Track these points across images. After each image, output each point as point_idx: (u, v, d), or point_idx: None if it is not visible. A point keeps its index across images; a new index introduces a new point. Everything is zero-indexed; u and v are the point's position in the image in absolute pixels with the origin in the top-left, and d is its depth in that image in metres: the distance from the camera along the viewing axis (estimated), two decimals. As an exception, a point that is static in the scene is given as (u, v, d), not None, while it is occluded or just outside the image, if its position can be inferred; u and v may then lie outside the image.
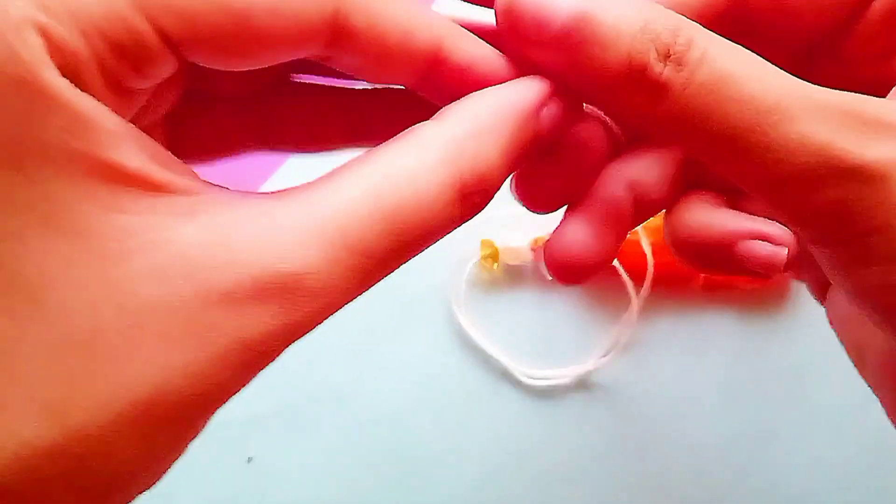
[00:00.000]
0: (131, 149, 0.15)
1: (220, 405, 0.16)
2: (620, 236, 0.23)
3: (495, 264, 0.37)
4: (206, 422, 0.16)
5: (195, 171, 0.17)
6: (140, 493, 0.16)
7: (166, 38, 0.15)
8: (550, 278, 0.22)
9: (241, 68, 0.17)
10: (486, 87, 0.19)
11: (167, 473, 0.17)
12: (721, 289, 0.37)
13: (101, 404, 0.14)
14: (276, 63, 0.17)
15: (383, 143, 0.18)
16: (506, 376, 0.37)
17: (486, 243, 0.37)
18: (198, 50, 0.16)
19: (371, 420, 0.37)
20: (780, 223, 0.22)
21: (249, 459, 0.37)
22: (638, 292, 0.36)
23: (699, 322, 0.37)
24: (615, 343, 0.37)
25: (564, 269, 0.22)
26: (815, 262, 0.21)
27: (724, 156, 0.18)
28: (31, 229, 0.14)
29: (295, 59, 0.18)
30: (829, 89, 0.18)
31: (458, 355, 0.37)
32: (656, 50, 0.18)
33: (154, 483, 0.16)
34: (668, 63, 0.18)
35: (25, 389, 0.14)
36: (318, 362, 0.38)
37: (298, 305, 0.15)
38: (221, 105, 0.21)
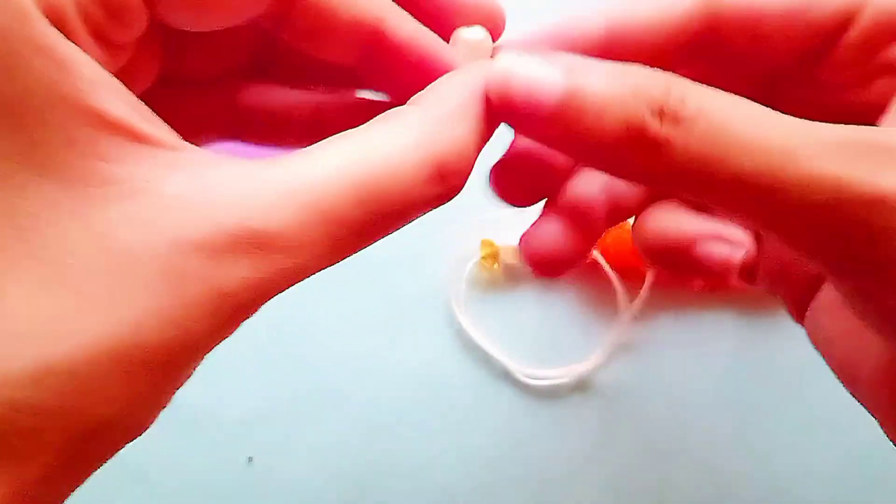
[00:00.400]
0: (116, 98, 0.16)
1: (200, 356, 0.16)
2: (592, 236, 0.24)
3: (495, 264, 0.37)
4: (188, 372, 0.17)
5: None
6: (126, 441, 0.16)
7: None
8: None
9: (201, 24, 0.18)
10: (426, 68, 0.20)
11: (153, 425, 0.17)
12: (720, 289, 0.37)
13: (83, 342, 0.15)
14: (232, 21, 0.19)
15: (364, 124, 0.18)
16: (506, 376, 0.37)
17: (486, 243, 0.37)
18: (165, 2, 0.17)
19: (371, 420, 0.37)
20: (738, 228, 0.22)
21: (249, 459, 0.37)
22: (637, 292, 0.36)
23: (698, 322, 0.37)
24: (615, 343, 0.37)
25: (538, 264, 0.23)
26: (790, 281, 0.21)
27: (734, 202, 0.19)
28: (19, 173, 0.15)
29: (249, 18, 0.19)
30: (830, 124, 0.18)
31: (458, 355, 0.37)
32: (651, 110, 0.18)
33: (139, 433, 0.17)
34: (664, 121, 0.18)
35: (11, 324, 0.15)
36: (318, 362, 0.38)
37: (271, 262, 0.16)
38: (191, 91, 0.22)
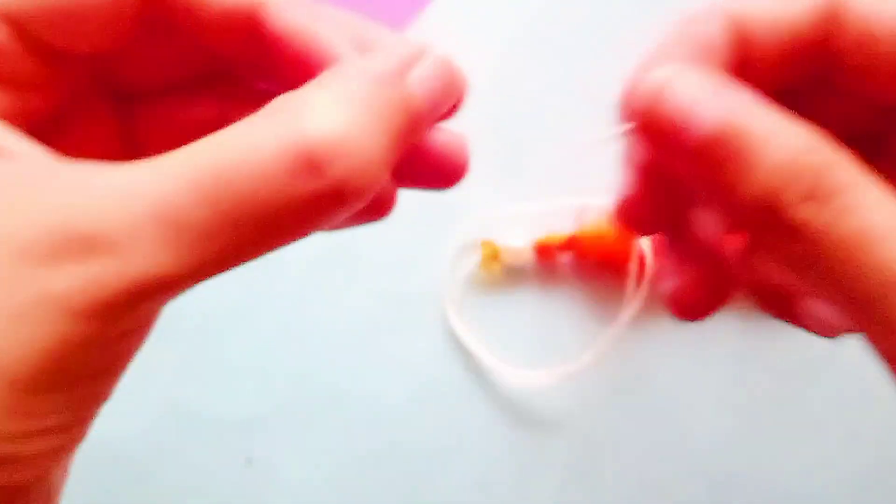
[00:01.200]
0: None
1: (69, 364, 0.15)
2: (730, 271, 0.22)
3: (496, 264, 0.37)
4: (67, 385, 0.16)
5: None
6: None
7: (8, 18, 0.17)
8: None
9: (75, 43, 0.18)
10: (309, 60, 0.18)
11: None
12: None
13: None
14: (109, 29, 0.19)
15: None
16: (506, 377, 0.37)
17: (486, 243, 0.37)
18: (37, 25, 0.18)
19: (371, 420, 0.37)
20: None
21: (249, 460, 0.37)
22: (638, 293, 0.36)
23: (699, 323, 0.37)
24: (614, 343, 0.37)
25: (688, 314, 0.21)
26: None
27: (846, 309, 0.17)
28: None
29: (121, 26, 0.18)
30: None
31: (458, 356, 0.37)
32: (799, 188, 0.16)
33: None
34: (809, 204, 0.16)
35: None
36: (318, 363, 0.38)
37: (101, 265, 0.15)
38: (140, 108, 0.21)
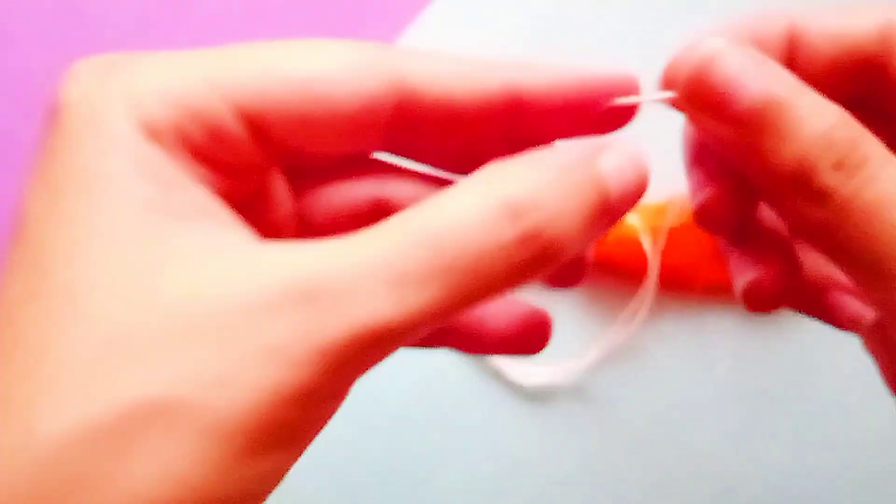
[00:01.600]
0: (196, 193, 0.17)
1: (295, 413, 0.16)
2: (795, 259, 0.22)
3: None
4: (290, 435, 0.16)
5: None
6: None
7: (239, 111, 0.17)
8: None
9: (318, 143, 0.18)
10: (577, 106, 0.19)
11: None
12: (723, 290, 0.37)
13: (123, 399, 0.14)
14: (348, 138, 0.18)
15: None
16: (505, 377, 0.37)
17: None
18: (270, 121, 0.17)
19: (371, 421, 0.37)
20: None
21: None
22: (640, 293, 0.36)
23: (701, 323, 0.37)
24: (615, 343, 0.37)
25: (764, 307, 0.22)
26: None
27: (859, 276, 0.19)
28: (82, 242, 0.16)
29: (369, 133, 0.18)
30: None
31: (457, 356, 0.37)
32: (830, 158, 0.18)
33: None
34: (838, 173, 0.18)
35: (56, 381, 0.15)
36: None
37: (323, 314, 0.15)
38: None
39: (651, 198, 0.37)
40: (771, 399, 0.37)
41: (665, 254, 0.36)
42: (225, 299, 0.15)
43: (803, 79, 0.20)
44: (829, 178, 0.18)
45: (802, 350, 0.37)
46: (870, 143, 0.18)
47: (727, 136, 0.19)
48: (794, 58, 0.21)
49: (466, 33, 0.39)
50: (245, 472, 0.15)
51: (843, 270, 0.19)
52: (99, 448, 0.14)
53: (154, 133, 0.16)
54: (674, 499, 0.36)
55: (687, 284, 0.37)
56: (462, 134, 0.19)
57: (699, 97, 0.18)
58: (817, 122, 0.18)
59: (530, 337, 0.22)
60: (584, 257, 0.22)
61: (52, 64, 0.39)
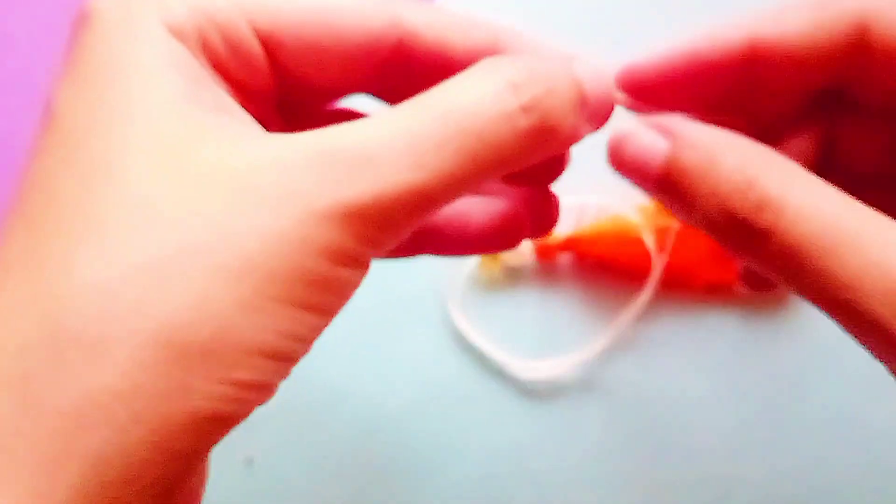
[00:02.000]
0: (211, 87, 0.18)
1: (320, 266, 0.17)
2: None
3: (495, 265, 0.37)
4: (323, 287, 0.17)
5: None
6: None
7: (257, 29, 0.19)
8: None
9: (322, 71, 0.20)
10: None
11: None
12: (723, 289, 0.37)
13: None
14: (350, 70, 0.20)
15: None
16: (505, 377, 0.37)
17: (486, 243, 0.37)
18: (283, 43, 0.19)
19: (371, 421, 0.37)
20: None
21: (249, 460, 0.37)
22: (639, 292, 0.36)
23: (700, 323, 0.37)
24: (615, 342, 0.37)
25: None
26: None
27: (814, 305, 0.19)
28: (115, 121, 0.17)
29: (368, 68, 0.20)
30: None
31: (457, 356, 0.37)
32: (726, 213, 0.19)
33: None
34: (738, 227, 0.19)
35: (147, 210, 0.16)
36: (318, 363, 0.37)
37: (359, 175, 0.17)
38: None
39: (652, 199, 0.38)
40: (771, 398, 0.37)
41: (668, 253, 0.36)
42: (255, 162, 0.16)
43: (771, 81, 0.22)
44: (759, 220, 0.19)
45: (803, 350, 0.37)
46: (765, 188, 0.19)
47: (666, 202, 0.20)
48: (758, 64, 0.22)
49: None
50: (268, 319, 0.16)
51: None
52: (137, 287, 0.15)
53: (179, 34, 0.18)
54: (673, 498, 0.36)
55: (688, 284, 0.37)
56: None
57: (625, 177, 0.21)
58: (707, 181, 0.19)
59: (508, 231, 0.23)
60: (565, 154, 0.23)
61: (53, 65, 0.39)
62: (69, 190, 0.16)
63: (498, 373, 0.37)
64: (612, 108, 0.21)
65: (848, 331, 0.19)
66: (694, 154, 0.19)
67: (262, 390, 0.17)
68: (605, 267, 0.37)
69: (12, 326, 0.15)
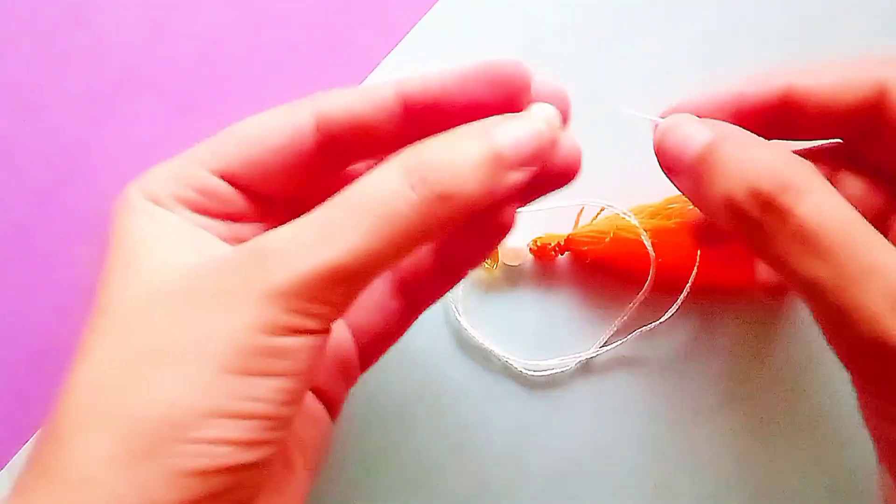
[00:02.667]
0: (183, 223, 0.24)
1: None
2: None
3: (494, 265, 0.37)
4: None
5: None
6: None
7: (216, 171, 0.25)
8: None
9: (271, 179, 0.25)
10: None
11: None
12: (722, 288, 0.37)
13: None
14: (291, 171, 0.25)
15: None
16: (505, 376, 0.37)
17: (485, 244, 0.37)
18: (235, 170, 0.25)
19: (372, 419, 0.37)
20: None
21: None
22: (638, 292, 0.36)
23: (700, 321, 0.37)
24: (614, 342, 0.37)
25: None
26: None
27: (804, 294, 0.21)
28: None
29: (306, 158, 0.25)
30: None
31: (457, 356, 0.37)
32: (752, 188, 0.21)
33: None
34: (760, 205, 0.21)
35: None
36: (317, 362, 0.37)
37: (268, 266, 0.21)
38: None
39: (650, 198, 0.38)
40: (771, 396, 0.37)
41: (665, 253, 0.36)
42: (200, 271, 0.21)
43: (800, 126, 0.25)
44: (752, 210, 0.21)
45: (804, 348, 0.37)
46: (792, 174, 0.21)
47: (686, 187, 0.24)
48: (789, 115, 0.25)
49: (465, 40, 0.39)
50: (220, 388, 0.20)
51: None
52: (112, 385, 0.20)
53: (154, 199, 0.24)
54: (673, 496, 0.36)
55: (686, 282, 0.37)
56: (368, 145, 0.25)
57: (664, 162, 0.24)
58: (741, 162, 0.22)
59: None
60: (575, 166, 0.26)
61: (53, 66, 0.39)
62: (84, 336, 0.22)
63: (498, 372, 0.37)
64: (550, 151, 0.24)
65: (832, 328, 0.21)
66: (732, 140, 0.22)
67: (249, 446, 0.20)
68: (604, 267, 0.37)
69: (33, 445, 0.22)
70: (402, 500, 0.37)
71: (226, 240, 0.24)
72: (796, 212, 0.20)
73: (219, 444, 0.20)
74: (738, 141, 0.22)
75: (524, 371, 0.37)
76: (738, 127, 0.23)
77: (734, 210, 0.21)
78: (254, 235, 0.24)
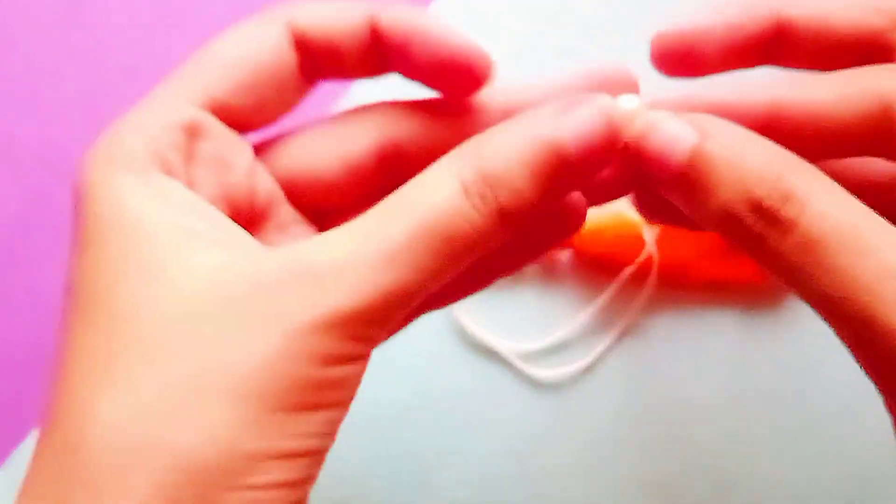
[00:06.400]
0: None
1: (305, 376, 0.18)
2: None
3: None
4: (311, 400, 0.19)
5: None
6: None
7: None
8: None
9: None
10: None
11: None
12: (723, 287, 0.37)
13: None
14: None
15: None
16: (507, 373, 0.37)
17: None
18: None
19: (375, 417, 0.37)
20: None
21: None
22: (640, 289, 0.36)
23: (700, 320, 0.37)
24: (617, 340, 0.37)
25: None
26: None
27: (818, 310, 0.19)
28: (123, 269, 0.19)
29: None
30: None
31: (459, 354, 0.37)
32: (752, 201, 0.19)
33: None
34: (761, 219, 0.19)
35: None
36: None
37: (327, 290, 0.18)
38: None
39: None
40: (771, 395, 0.37)
41: (666, 250, 0.36)
42: (242, 288, 0.18)
43: (789, 146, 0.21)
44: (756, 224, 0.19)
45: (803, 349, 0.37)
46: (793, 178, 0.19)
47: (675, 194, 0.20)
48: (779, 129, 0.22)
49: (470, 33, 0.39)
50: (272, 428, 0.18)
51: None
52: (150, 423, 0.17)
53: (140, 164, 0.20)
54: (673, 494, 0.36)
55: (689, 281, 0.37)
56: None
57: (645, 166, 0.20)
58: (736, 171, 0.19)
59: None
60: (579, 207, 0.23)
61: (53, 64, 0.39)
62: (91, 343, 0.18)
63: (501, 370, 0.37)
64: (610, 146, 0.20)
65: (847, 335, 0.19)
66: (723, 144, 0.19)
67: (297, 485, 0.19)
68: (605, 264, 0.37)
69: (46, 474, 0.18)
70: (403, 500, 0.37)
71: (219, 197, 0.21)
72: (800, 224, 0.18)
73: (270, 489, 0.18)
74: (725, 140, 0.19)
75: (526, 370, 0.37)
76: (721, 119, 0.20)
77: (733, 224, 0.19)
78: (248, 181, 0.22)
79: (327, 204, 0.23)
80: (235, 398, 0.17)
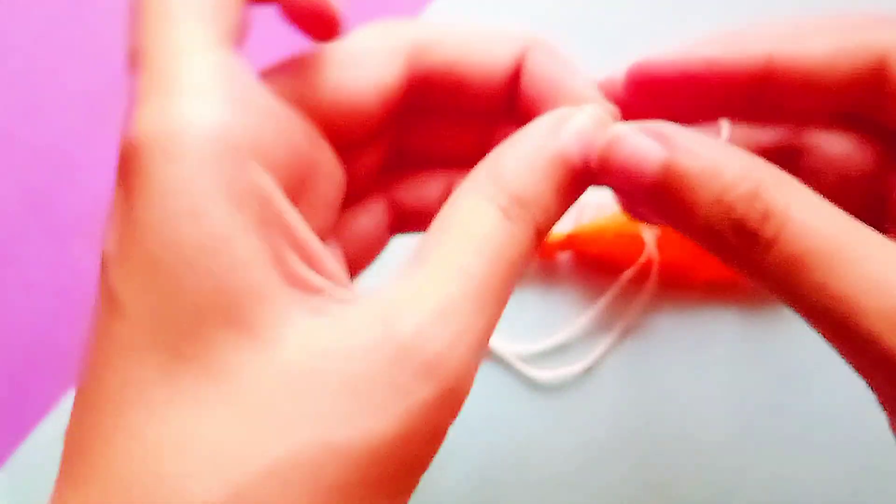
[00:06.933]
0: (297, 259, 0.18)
1: (401, 461, 0.19)
2: None
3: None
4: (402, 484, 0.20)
5: None
6: None
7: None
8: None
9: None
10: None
11: None
12: (723, 287, 0.37)
13: (267, 461, 0.16)
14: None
15: None
16: (506, 374, 0.37)
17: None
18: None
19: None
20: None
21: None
22: (641, 290, 0.36)
23: (701, 321, 0.37)
24: (617, 340, 0.37)
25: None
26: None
27: (805, 319, 0.20)
28: (220, 331, 0.17)
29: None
30: None
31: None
32: (731, 221, 0.18)
33: None
34: (742, 235, 0.18)
35: (201, 453, 0.16)
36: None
37: (422, 375, 0.18)
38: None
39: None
40: (771, 396, 0.37)
41: (667, 251, 0.36)
42: (346, 362, 0.17)
43: (785, 101, 0.21)
44: (736, 239, 0.19)
45: (803, 349, 0.37)
46: (770, 192, 0.18)
47: (654, 208, 0.20)
48: (768, 90, 0.21)
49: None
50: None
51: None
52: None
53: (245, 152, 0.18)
54: (674, 495, 0.36)
55: (689, 281, 0.37)
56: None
57: (612, 182, 0.20)
58: (711, 187, 0.19)
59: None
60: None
61: (53, 64, 0.39)
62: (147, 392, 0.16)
63: (500, 371, 0.37)
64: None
65: (836, 345, 0.20)
66: (696, 160, 0.19)
67: None
68: (605, 265, 0.37)
69: None
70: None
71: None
72: (779, 241, 0.18)
73: None
74: (703, 157, 0.19)
75: (527, 371, 0.37)
76: (693, 132, 0.20)
77: (716, 240, 0.19)
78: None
79: (361, 134, 0.23)
80: (346, 488, 0.16)
